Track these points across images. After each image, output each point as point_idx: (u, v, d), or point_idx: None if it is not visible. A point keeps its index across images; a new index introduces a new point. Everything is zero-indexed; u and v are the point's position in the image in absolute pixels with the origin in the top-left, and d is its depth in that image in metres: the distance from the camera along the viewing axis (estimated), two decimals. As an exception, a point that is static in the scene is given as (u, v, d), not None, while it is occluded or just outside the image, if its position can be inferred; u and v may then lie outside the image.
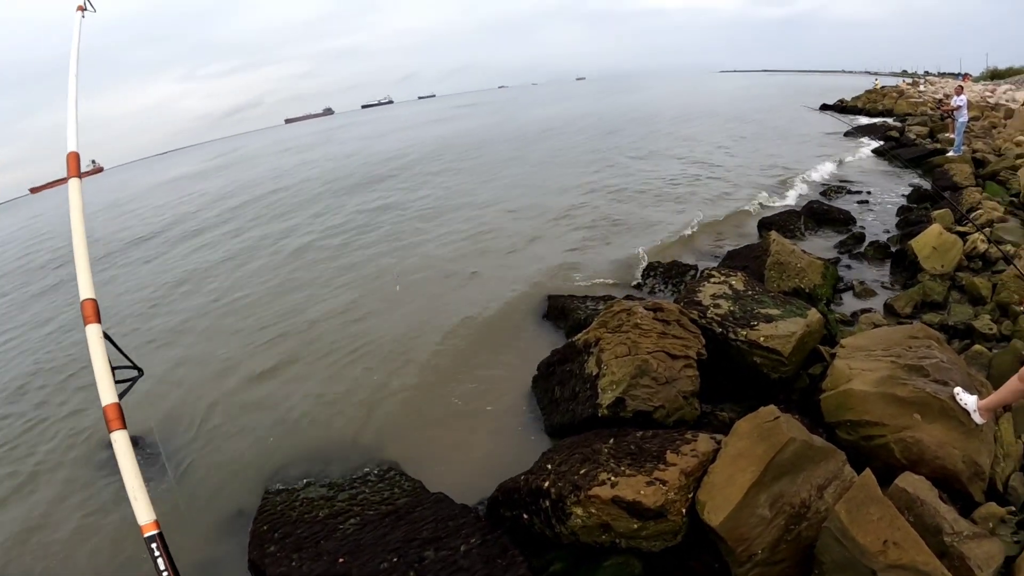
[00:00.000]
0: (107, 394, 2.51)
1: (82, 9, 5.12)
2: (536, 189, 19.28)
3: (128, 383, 2.95)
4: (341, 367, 8.57)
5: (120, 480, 2.61)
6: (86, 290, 3.07)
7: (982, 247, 9.22)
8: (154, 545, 2.56)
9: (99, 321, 3.01)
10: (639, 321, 6.15)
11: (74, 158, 3.69)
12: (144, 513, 2.63)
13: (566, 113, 54.43)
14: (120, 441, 2.65)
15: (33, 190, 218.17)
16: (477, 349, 8.48)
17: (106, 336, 2.90)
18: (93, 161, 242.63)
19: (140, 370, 2.53)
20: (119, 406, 2.62)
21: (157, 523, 2.66)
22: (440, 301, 10.49)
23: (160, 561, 2.50)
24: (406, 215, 17.93)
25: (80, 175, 3.54)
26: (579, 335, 6.74)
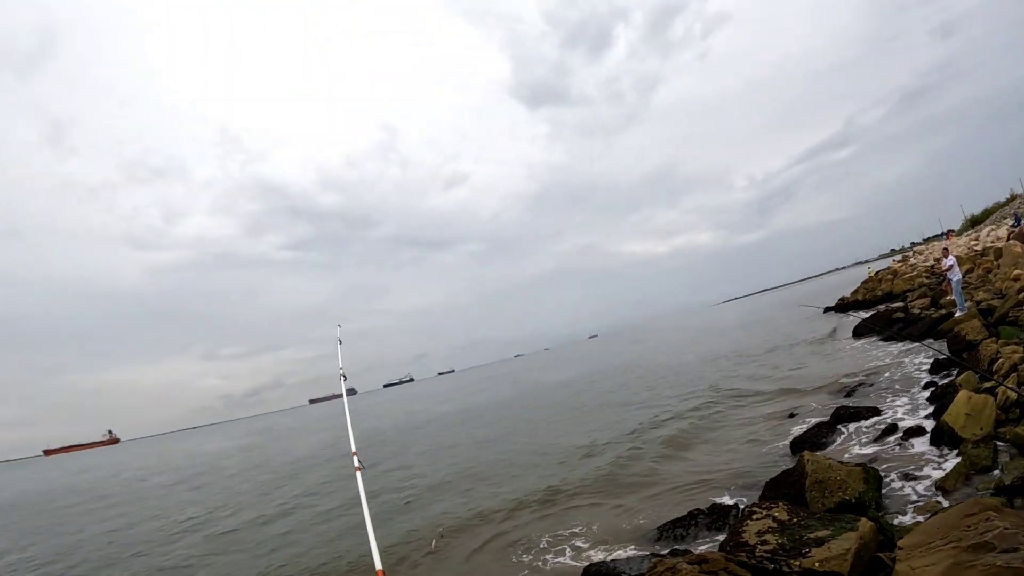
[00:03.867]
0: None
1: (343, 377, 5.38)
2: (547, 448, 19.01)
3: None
4: None
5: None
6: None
7: (1012, 395, 8.96)
8: None
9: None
10: (686, 579, 5.81)
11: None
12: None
13: (581, 376, 54.86)
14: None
15: (47, 452, 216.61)
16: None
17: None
18: (110, 431, 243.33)
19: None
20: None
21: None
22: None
23: None
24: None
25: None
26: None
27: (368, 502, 4.51)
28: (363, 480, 4.72)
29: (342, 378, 5.93)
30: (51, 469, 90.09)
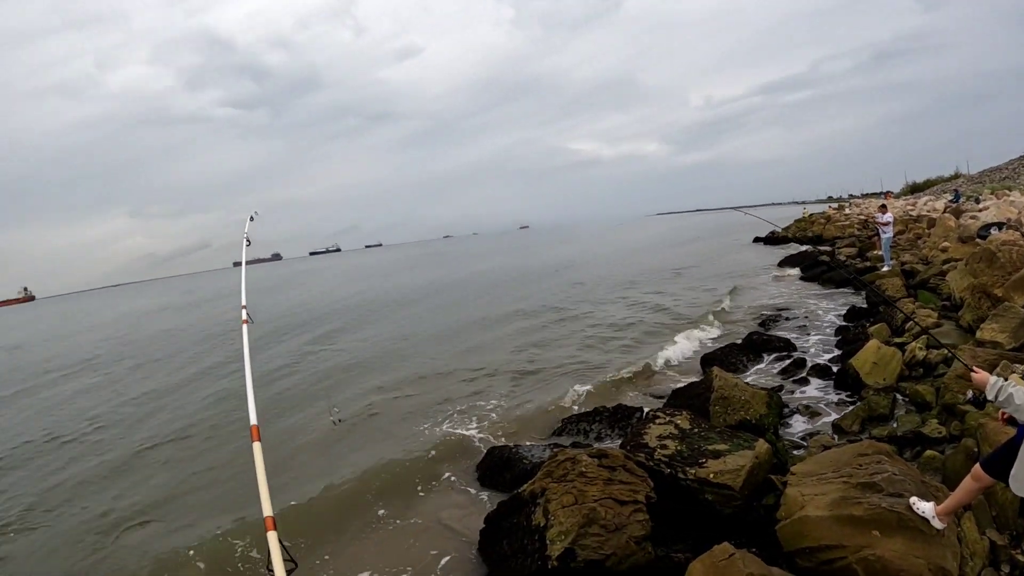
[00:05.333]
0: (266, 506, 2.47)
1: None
2: (477, 336, 19.19)
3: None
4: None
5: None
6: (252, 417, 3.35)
7: (921, 354, 9.33)
8: None
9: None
10: (584, 469, 5.97)
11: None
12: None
13: (512, 263, 55.41)
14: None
15: None
16: (413, 505, 7.94)
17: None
18: (25, 288, 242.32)
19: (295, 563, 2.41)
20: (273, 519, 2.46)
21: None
22: (378, 447, 10.02)
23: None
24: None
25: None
26: (524, 486, 6.48)
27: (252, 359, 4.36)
28: (248, 334, 4.57)
29: (245, 242, 5.84)
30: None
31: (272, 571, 2.07)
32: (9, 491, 10.27)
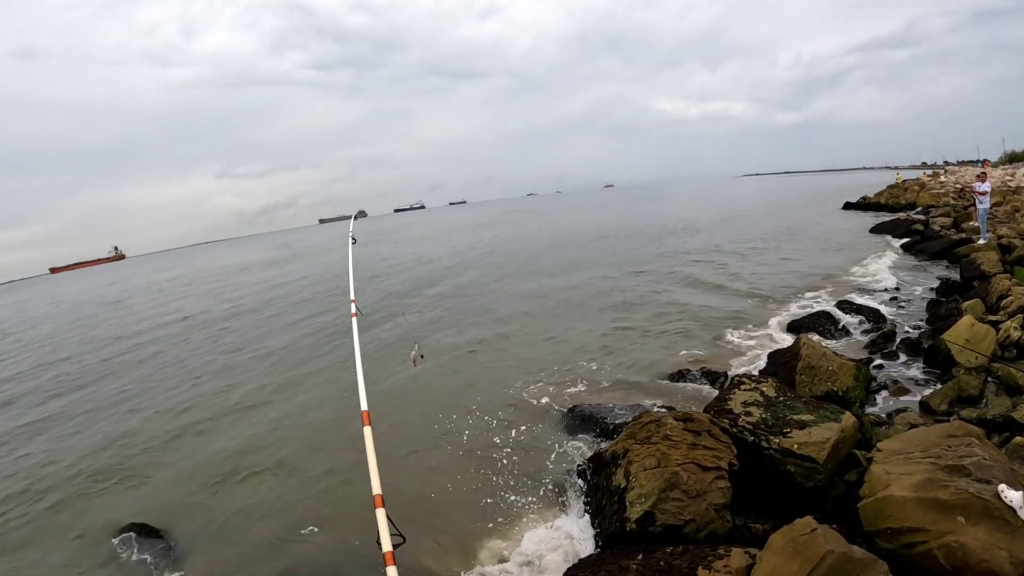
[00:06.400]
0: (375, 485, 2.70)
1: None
2: (571, 296, 19.42)
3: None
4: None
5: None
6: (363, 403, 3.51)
7: (1015, 335, 9.04)
8: None
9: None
10: (668, 432, 6.04)
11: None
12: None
13: (602, 222, 55.39)
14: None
15: (53, 270, 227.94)
16: (499, 460, 8.29)
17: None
18: (115, 248, 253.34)
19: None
20: (382, 497, 2.72)
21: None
22: (462, 403, 10.51)
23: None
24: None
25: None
26: (607, 446, 6.63)
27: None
28: (358, 327, 4.77)
29: (351, 240, 5.99)
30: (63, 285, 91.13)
31: (380, 545, 2.23)
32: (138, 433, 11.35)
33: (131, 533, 7.58)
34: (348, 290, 4.75)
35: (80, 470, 10.02)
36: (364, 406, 3.32)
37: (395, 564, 1.98)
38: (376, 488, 2.61)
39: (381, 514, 2.39)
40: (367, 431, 2.97)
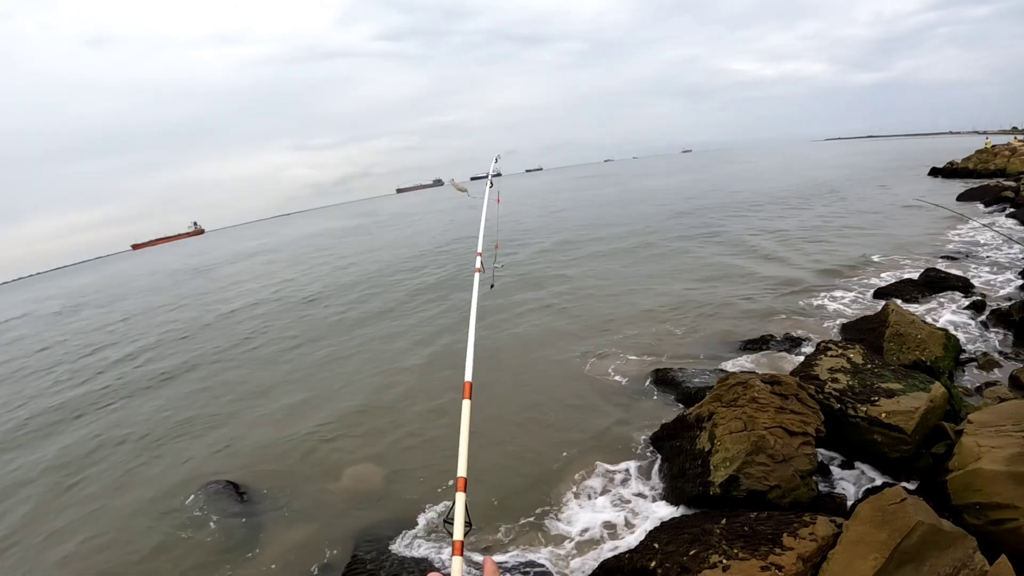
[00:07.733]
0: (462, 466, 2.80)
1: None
2: (649, 265, 19.49)
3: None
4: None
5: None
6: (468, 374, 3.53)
7: (1118, 310, 8.65)
8: None
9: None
10: (756, 395, 6.05)
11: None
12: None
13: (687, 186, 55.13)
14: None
15: (135, 246, 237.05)
16: (582, 419, 8.49)
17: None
18: (195, 223, 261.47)
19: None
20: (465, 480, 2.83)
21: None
22: (545, 362, 10.95)
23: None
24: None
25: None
26: (691, 409, 6.69)
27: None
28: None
29: (488, 183, 5.93)
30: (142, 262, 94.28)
31: (450, 530, 2.21)
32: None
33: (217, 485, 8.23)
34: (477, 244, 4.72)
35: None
36: (468, 376, 3.22)
37: (462, 554, 1.95)
38: (462, 470, 2.56)
39: (460, 499, 2.32)
40: (465, 405, 2.89)
